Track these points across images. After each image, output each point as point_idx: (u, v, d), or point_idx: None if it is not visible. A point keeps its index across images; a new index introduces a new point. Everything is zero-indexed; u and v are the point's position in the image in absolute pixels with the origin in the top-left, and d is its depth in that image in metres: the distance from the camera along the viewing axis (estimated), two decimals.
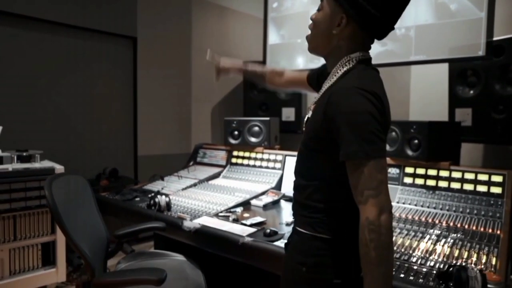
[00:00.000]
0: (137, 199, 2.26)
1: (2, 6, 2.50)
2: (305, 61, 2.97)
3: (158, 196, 2.00)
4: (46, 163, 2.21)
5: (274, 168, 2.54)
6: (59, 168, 2.11)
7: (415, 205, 1.89)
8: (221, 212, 1.99)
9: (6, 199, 2.08)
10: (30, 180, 2.08)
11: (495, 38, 2.20)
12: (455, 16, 2.29)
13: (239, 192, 2.32)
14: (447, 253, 1.45)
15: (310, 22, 1.11)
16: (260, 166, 2.61)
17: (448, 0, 2.30)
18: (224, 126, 2.78)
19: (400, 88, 3.19)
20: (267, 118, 2.67)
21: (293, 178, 1.16)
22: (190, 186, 2.48)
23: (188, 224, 1.75)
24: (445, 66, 2.57)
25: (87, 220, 1.66)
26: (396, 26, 1.06)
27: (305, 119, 1.12)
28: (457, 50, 2.31)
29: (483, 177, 1.84)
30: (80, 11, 2.83)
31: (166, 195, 2.04)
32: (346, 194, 0.96)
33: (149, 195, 2.32)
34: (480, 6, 2.20)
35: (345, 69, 1.03)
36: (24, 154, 2.22)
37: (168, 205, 1.98)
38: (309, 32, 1.13)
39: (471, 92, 2.45)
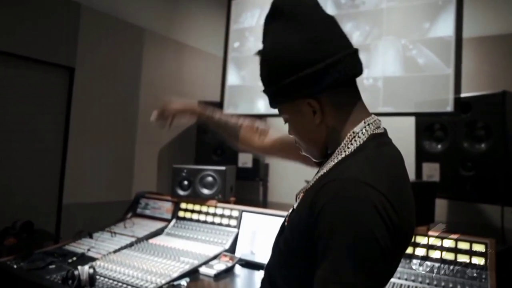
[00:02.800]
0: (52, 266, 1.76)
1: None
2: (266, 105, 2.75)
3: (79, 267, 1.54)
4: None
5: (228, 225, 2.18)
6: None
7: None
8: (161, 286, 1.57)
9: None
10: None
11: (462, 95, 2.14)
12: (423, 70, 2.22)
13: (186, 256, 1.91)
14: None
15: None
16: (212, 223, 2.23)
17: (416, 54, 2.24)
18: (172, 175, 2.40)
19: None
20: (223, 168, 2.35)
21: (262, 275, 0.85)
22: (125, 247, 2.03)
23: None
24: (412, 119, 2.47)
25: None
26: (364, 75, 0.83)
27: (290, 210, 0.82)
28: (425, 104, 2.22)
29: (463, 245, 1.66)
30: (6, 34, 2.39)
31: (90, 265, 1.59)
32: None
33: (70, 260, 1.84)
34: (448, 63, 2.15)
35: (350, 149, 0.74)
36: None
37: (92, 278, 1.53)
38: None
39: (439, 146, 2.35)
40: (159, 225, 2.33)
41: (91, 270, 1.54)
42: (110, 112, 2.98)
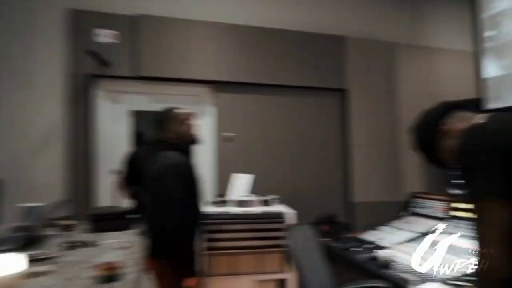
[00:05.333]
0: (352, 248, 2.34)
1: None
2: None
3: (379, 251, 2.02)
4: (281, 207, 2.63)
5: None
6: (290, 212, 2.50)
7: None
8: (451, 279, 1.81)
9: (249, 237, 2.54)
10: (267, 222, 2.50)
11: None
12: None
13: (468, 254, 2.05)
14: None
15: None
16: None
17: None
18: (445, 175, 2.58)
19: None
20: None
21: None
22: (408, 241, 2.38)
23: None
24: None
25: (312, 265, 1.84)
26: None
27: None
28: None
29: None
30: (294, 73, 3.30)
31: (386, 251, 2.04)
32: None
33: (364, 246, 2.36)
34: None
35: None
36: (265, 199, 2.71)
37: (388, 262, 1.97)
38: None
39: None
40: (432, 223, 2.54)
41: (388, 255, 1.99)
42: (376, 122, 3.49)
